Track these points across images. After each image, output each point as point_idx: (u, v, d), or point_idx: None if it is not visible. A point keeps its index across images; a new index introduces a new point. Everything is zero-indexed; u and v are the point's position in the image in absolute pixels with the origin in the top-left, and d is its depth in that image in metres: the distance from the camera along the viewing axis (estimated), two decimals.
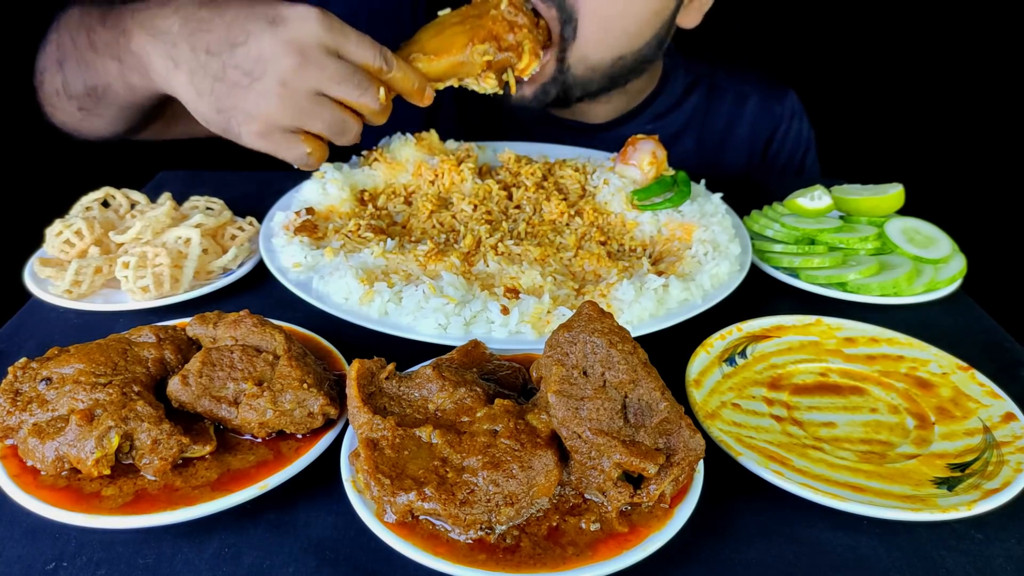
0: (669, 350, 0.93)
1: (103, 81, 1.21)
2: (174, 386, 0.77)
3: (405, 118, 1.32)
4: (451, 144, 1.44)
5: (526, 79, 1.24)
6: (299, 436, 0.77)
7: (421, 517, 0.66)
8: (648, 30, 1.40)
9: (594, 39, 1.35)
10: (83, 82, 1.24)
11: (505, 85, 1.33)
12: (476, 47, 1.20)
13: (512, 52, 1.23)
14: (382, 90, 1.11)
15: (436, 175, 1.28)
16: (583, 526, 0.66)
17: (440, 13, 1.27)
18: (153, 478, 0.71)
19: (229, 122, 1.06)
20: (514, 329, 0.94)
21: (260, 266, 1.14)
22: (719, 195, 1.29)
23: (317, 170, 1.22)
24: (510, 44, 1.23)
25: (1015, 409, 0.87)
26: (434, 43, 1.21)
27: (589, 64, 1.39)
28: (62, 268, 1.06)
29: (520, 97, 1.42)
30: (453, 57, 1.20)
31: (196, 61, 1.04)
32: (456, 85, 1.25)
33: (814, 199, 1.27)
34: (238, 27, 1.02)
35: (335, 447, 0.76)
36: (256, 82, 1.02)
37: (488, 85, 1.24)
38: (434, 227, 1.19)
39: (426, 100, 1.19)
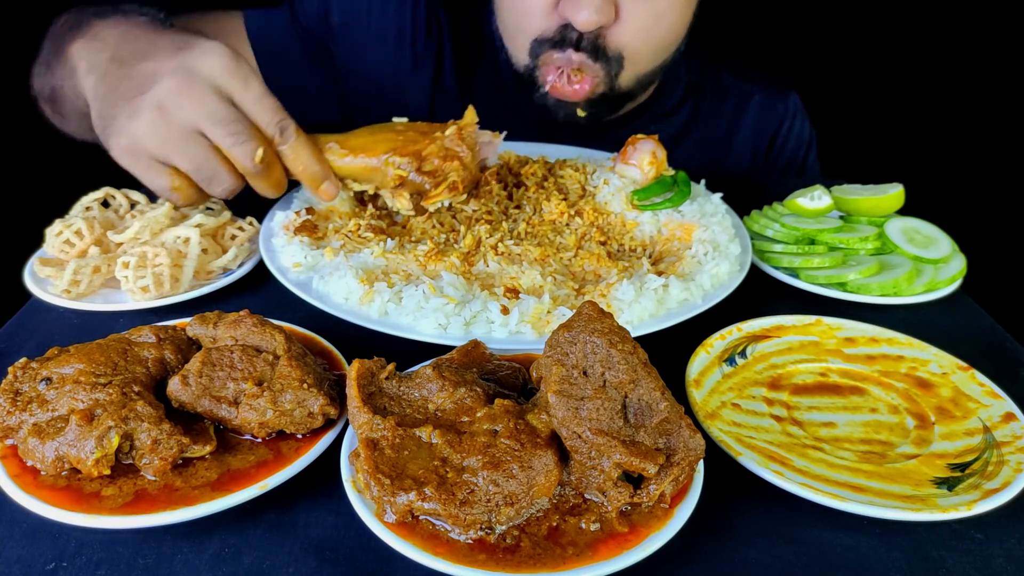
0: (669, 350, 0.93)
1: (57, 83, 1.19)
2: (174, 386, 0.77)
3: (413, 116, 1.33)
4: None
5: (430, 207, 1.13)
6: (299, 436, 0.77)
7: (421, 517, 0.66)
8: (683, 31, 1.47)
9: (643, 61, 1.44)
10: (48, 85, 1.24)
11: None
12: (393, 158, 1.10)
13: (431, 178, 1.11)
14: (260, 150, 0.99)
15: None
16: (583, 526, 0.66)
17: (395, 119, 1.19)
18: (153, 478, 0.71)
19: (106, 130, 1.00)
20: (514, 329, 0.94)
21: (260, 266, 1.14)
22: (719, 195, 1.29)
23: (191, 204, 1.08)
24: (434, 169, 1.11)
25: (1015, 409, 0.87)
26: (358, 141, 1.12)
27: (639, 78, 1.47)
28: (62, 268, 1.06)
29: (570, 113, 1.48)
30: (367, 160, 1.10)
31: (107, 67, 1.02)
32: (372, 192, 1.15)
33: (814, 199, 1.27)
34: (154, 45, 1.00)
35: (335, 447, 0.76)
36: (137, 98, 0.95)
37: (399, 204, 1.13)
38: (434, 227, 1.19)
39: (322, 193, 1.08)
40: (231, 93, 0.97)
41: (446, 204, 1.16)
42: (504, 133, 1.24)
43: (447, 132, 1.13)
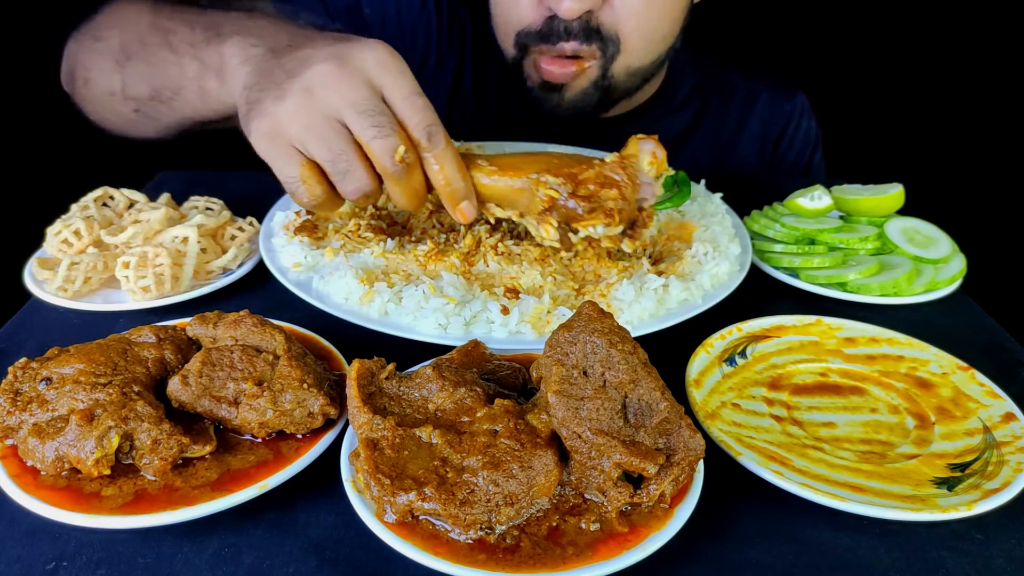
0: (669, 350, 0.93)
1: (174, 84, 1.16)
2: (174, 386, 0.77)
3: None
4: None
5: (579, 232, 0.99)
6: (299, 436, 0.77)
7: (421, 517, 0.66)
8: (678, 26, 1.46)
9: (637, 50, 1.41)
10: (149, 84, 1.20)
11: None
12: (545, 177, 0.97)
13: (585, 204, 0.97)
14: (402, 148, 0.92)
15: None
16: (583, 526, 0.66)
17: (549, 147, 1.09)
18: (153, 478, 0.71)
19: (249, 114, 0.97)
20: (514, 329, 0.94)
21: (260, 266, 1.14)
22: (719, 195, 1.29)
23: (307, 211, 1.05)
24: (589, 195, 0.97)
25: (1015, 409, 0.87)
26: (507, 160, 1.02)
27: (631, 71, 1.44)
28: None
29: (557, 104, 1.45)
30: (514, 180, 0.99)
31: (261, 59, 1.00)
32: (516, 219, 1.03)
33: (814, 199, 1.27)
34: (310, 38, 0.99)
35: (335, 447, 0.76)
36: (287, 81, 0.93)
37: (545, 232, 0.99)
38: (434, 227, 1.19)
39: (460, 213, 1.00)
40: (381, 86, 0.92)
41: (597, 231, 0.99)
42: (662, 179, 1.13)
43: (608, 159, 1.01)
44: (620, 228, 0.98)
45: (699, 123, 1.73)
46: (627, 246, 1.03)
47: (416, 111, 0.93)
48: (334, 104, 0.91)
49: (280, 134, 0.93)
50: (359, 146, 0.93)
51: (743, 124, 1.75)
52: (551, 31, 1.35)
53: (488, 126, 1.66)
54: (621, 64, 1.41)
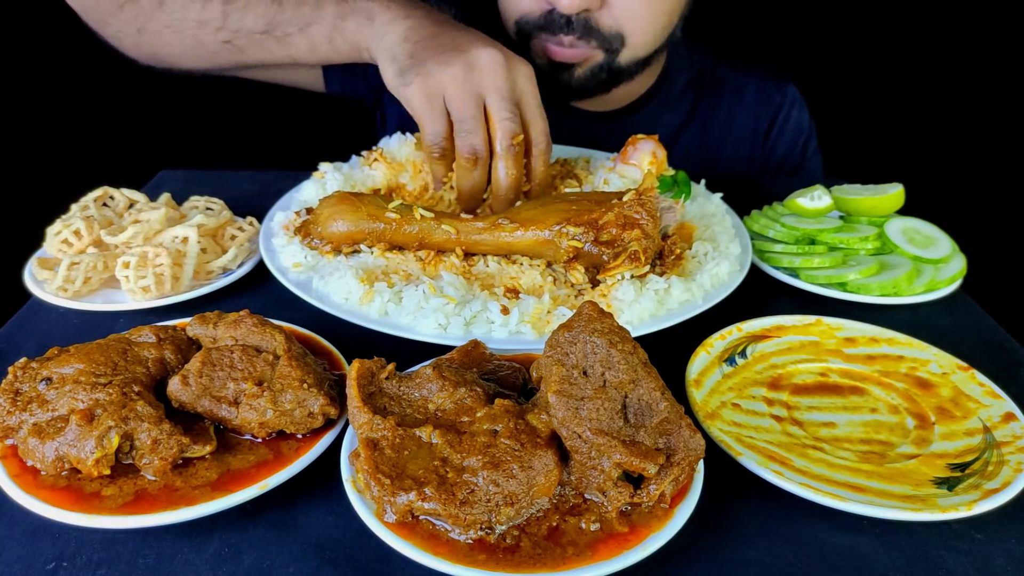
0: (669, 350, 0.93)
1: (304, 20, 1.25)
2: (174, 386, 0.77)
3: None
4: None
5: (608, 280, 1.01)
6: (299, 436, 0.77)
7: (421, 517, 0.66)
8: (678, 14, 1.49)
9: (642, 44, 1.45)
10: (267, 18, 1.27)
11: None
12: (566, 228, 1.01)
13: (609, 249, 1.00)
14: (522, 136, 1.10)
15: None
16: (583, 526, 0.66)
17: (566, 189, 1.15)
18: (153, 478, 0.71)
19: (410, 70, 1.10)
20: (514, 329, 0.94)
21: (260, 266, 1.14)
22: (719, 195, 1.29)
23: (437, 161, 1.15)
24: (612, 239, 1.00)
25: (1015, 409, 0.87)
26: (528, 213, 1.05)
27: (636, 58, 1.48)
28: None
29: (568, 82, 1.49)
30: (539, 233, 1.03)
31: (423, 23, 1.15)
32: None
33: (814, 199, 1.27)
34: (465, 29, 1.15)
35: (335, 447, 0.76)
36: (455, 51, 1.08)
37: (574, 278, 1.01)
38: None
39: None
40: (522, 92, 1.12)
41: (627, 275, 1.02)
42: (684, 198, 1.18)
43: (625, 198, 1.03)
44: (647, 268, 1.01)
45: (692, 118, 1.73)
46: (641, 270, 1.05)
47: (541, 120, 1.14)
48: (486, 84, 1.08)
49: (437, 93, 1.09)
50: (486, 123, 1.10)
51: (733, 117, 1.75)
52: (551, 23, 1.38)
53: None
54: (627, 56, 1.44)
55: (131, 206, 1.22)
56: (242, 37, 1.30)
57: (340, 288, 1.00)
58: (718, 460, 0.78)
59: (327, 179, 1.27)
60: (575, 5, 1.32)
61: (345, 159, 1.37)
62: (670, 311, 1.00)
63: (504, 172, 1.12)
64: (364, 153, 1.36)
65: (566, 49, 1.42)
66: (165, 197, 1.24)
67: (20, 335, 1.02)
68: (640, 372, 0.71)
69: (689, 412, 0.81)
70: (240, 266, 1.14)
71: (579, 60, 1.44)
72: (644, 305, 0.98)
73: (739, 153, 1.76)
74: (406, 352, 0.88)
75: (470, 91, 1.08)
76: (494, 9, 1.52)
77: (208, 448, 0.74)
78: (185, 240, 1.09)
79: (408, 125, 1.29)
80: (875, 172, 1.41)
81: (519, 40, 1.46)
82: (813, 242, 1.23)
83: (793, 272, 1.18)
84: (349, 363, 0.82)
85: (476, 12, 1.59)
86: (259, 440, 0.76)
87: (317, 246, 1.09)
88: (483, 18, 1.55)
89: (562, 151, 1.49)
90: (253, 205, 1.29)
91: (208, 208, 1.23)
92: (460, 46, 1.09)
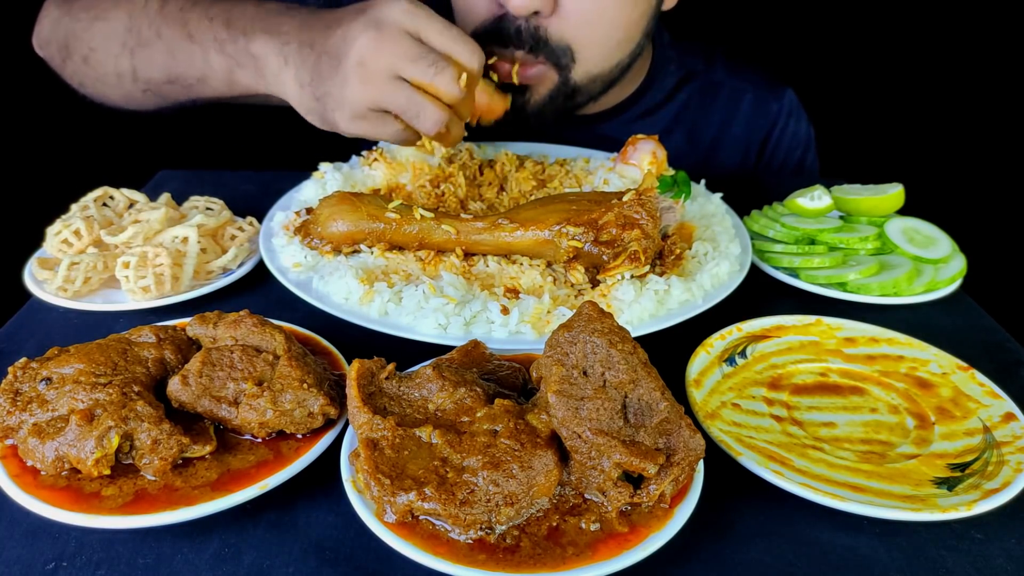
0: (669, 350, 0.93)
1: (197, 72, 1.22)
2: (174, 386, 0.77)
3: None
4: None
5: (608, 280, 1.01)
6: (299, 436, 0.77)
7: (421, 517, 0.66)
8: (638, 31, 1.42)
9: (593, 59, 1.38)
10: (166, 71, 1.26)
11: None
12: (566, 228, 1.01)
13: (609, 249, 1.01)
14: (464, 75, 1.04)
15: (433, 183, 1.26)
16: (583, 526, 0.66)
17: (566, 189, 1.12)
18: (153, 478, 0.71)
19: (325, 109, 1.07)
20: (514, 329, 0.94)
21: (260, 266, 1.14)
22: (719, 195, 1.29)
23: (417, 147, 1.16)
24: (612, 239, 1.01)
25: (1015, 409, 0.87)
26: (528, 213, 1.06)
27: (591, 76, 1.41)
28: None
29: (522, 106, 1.42)
30: (538, 233, 1.03)
31: (300, 55, 1.08)
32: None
33: (814, 199, 1.27)
34: (336, 19, 1.07)
35: (335, 447, 0.76)
36: (340, 64, 1.03)
37: (574, 278, 1.02)
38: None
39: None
40: (418, 31, 1.03)
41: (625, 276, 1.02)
42: (684, 198, 1.17)
43: (625, 198, 1.03)
44: (647, 268, 1.01)
45: (682, 120, 1.69)
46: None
47: (458, 43, 1.04)
48: (388, 63, 1.01)
49: (361, 110, 1.05)
50: (422, 89, 1.04)
51: (727, 125, 1.71)
52: (500, 31, 1.32)
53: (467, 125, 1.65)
54: (580, 71, 1.38)
55: (131, 206, 1.22)
56: (155, 85, 1.30)
57: (340, 288, 1.00)
58: (718, 460, 0.78)
59: (327, 179, 1.27)
60: (524, 7, 1.25)
61: (345, 159, 1.37)
62: (670, 311, 1.00)
63: (467, 111, 1.11)
64: (364, 153, 1.36)
65: (520, 67, 1.36)
66: (165, 197, 1.24)
67: (20, 335, 1.02)
68: (640, 372, 0.71)
69: (689, 412, 0.81)
70: (240, 266, 1.14)
71: (534, 81, 1.38)
72: (644, 305, 0.98)
73: (730, 161, 1.73)
74: (406, 352, 0.88)
75: (385, 80, 1.02)
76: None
77: (208, 448, 0.74)
78: (185, 240, 1.09)
79: None
80: (875, 172, 1.41)
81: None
82: (813, 242, 1.23)
83: (793, 272, 1.18)
84: (349, 363, 0.82)
85: None
86: (259, 440, 0.76)
87: (317, 246, 1.09)
88: None
89: (562, 151, 1.49)
90: (253, 205, 1.29)
91: (208, 208, 1.23)
92: (338, 54, 1.03)
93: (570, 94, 1.43)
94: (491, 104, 1.25)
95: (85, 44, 1.33)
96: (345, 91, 1.03)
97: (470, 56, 1.05)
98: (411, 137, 1.11)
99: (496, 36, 1.33)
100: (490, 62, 1.30)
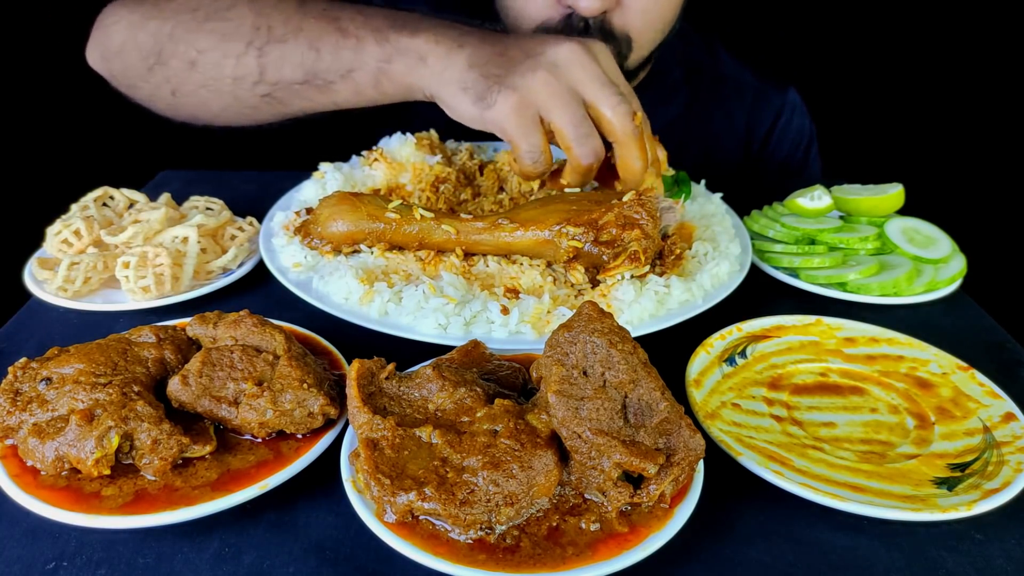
0: (669, 350, 0.93)
1: (345, 66, 1.16)
2: (174, 386, 0.77)
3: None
4: (451, 144, 1.44)
5: (608, 280, 1.02)
6: (299, 436, 0.77)
7: (421, 517, 0.66)
8: (679, 9, 1.46)
9: (647, 44, 1.43)
10: (304, 68, 1.19)
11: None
12: (566, 228, 1.02)
13: (609, 249, 1.01)
14: (640, 113, 1.07)
15: (433, 183, 1.25)
16: (583, 526, 0.66)
17: (567, 190, 1.13)
18: (153, 478, 0.71)
19: (489, 90, 1.03)
20: (514, 329, 0.94)
21: (260, 266, 1.14)
22: (719, 195, 1.29)
23: (539, 175, 1.11)
24: (612, 239, 1.01)
25: (1015, 409, 0.87)
26: (528, 213, 1.06)
27: (640, 60, 1.46)
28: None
29: None
30: (538, 233, 1.03)
31: (480, 43, 1.08)
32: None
33: (814, 199, 1.27)
34: (536, 37, 1.09)
35: (335, 447, 0.76)
36: (532, 59, 1.03)
37: (574, 278, 1.02)
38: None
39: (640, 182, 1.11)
40: (606, 71, 1.06)
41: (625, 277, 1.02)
42: (684, 198, 1.17)
43: (625, 199, 1.03)
44: (647, 268, 1.02)
45: (687, 113, 1.70)
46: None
47: (633, 97, 1.10)
48: (578, 77, 1.03)
49: (529, 105, 1.03)
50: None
51: (730, 117, 1.72)
52: (570, 28, 1.34)
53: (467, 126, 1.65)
54: (635, 58, 1.43)
55: (131, 206, 1.22)
56: (281, 89, 1.23)
57: (340, 288, 1.00)
58: (718, 460, 0.78)
59: (327, 179, 1.27)
60: (596, 8, 1.28)
61: (345, 159, 1.37)
62: (670, 311, 1.00)
63: (636, 156, 1.07)
64: (364, 153, 1.36)
65: None
66: (165, 197, 1.24)
67: (20, 335, 1.02)
68: (640, 372, 0.71)
69: (689, 412, 0.81)
70: (240, 266, 1.14)
71: None
72: (644, 305, 0.98)
73: (732, 155, 1.74)
74: (406, 352, 0.88)
75: (567, 91, 1.02)
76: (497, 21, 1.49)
77: (208, 448, 0.74)
78: (185, 240, 1.09)
79: None
80: (875, 172, 1.41)
81: None
82: (813, 242, 1.23)
83: (793, 272, 1.18)
84: (349, 363, 0.82)
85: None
86: (259, 440, 0.76)
87: (317, 246, 1.09)
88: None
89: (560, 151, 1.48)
90: (253, 205, 1.29)
91: (208, 208, 1.23)
92: (532, 52, 1.04)
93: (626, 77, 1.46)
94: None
95: (191, 46, 1.24)
96: (527, 79, 1.02)
97: (639, 106, 1.09)
98: (538, 160, 1.07)
99: (564, 32, 1.34)
100: None
